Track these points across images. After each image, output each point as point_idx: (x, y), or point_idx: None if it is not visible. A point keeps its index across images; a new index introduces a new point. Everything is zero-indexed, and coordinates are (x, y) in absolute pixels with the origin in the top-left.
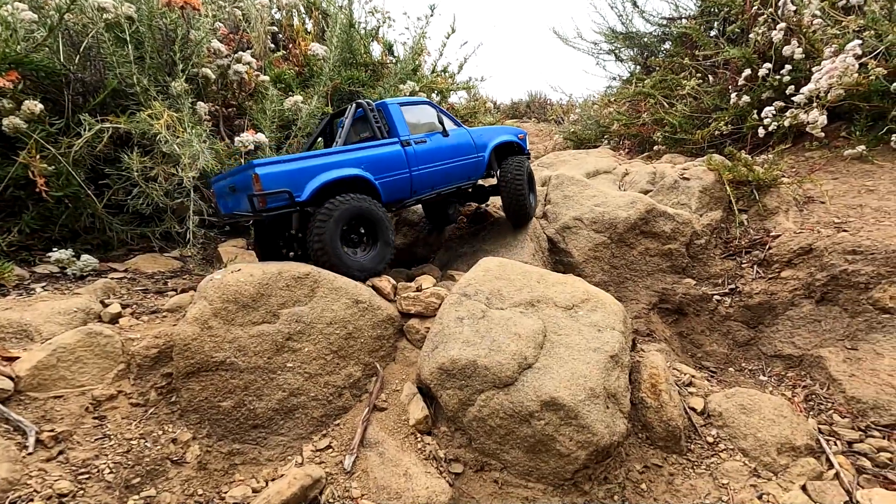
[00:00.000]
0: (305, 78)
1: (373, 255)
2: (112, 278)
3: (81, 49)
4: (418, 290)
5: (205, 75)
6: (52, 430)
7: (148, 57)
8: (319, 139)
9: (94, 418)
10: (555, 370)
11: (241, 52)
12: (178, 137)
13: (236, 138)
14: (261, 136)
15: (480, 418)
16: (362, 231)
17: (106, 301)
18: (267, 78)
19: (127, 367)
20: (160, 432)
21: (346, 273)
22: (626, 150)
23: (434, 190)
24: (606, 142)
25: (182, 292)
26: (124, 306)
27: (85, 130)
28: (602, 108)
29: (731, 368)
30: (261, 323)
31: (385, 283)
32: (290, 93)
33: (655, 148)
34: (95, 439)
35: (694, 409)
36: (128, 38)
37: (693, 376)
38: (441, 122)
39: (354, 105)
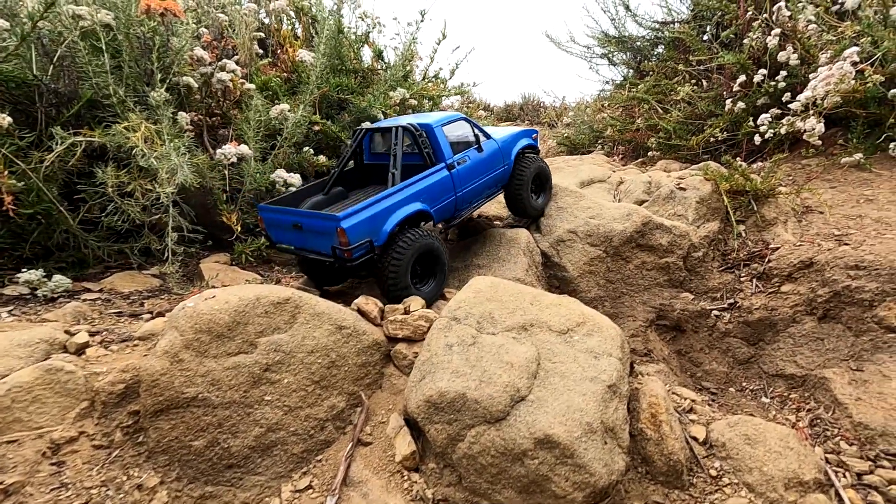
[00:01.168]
0: (294, 84)
1: (432, 287)
2: (85, 300)
3: (55, 58)
4: (406, 312)
5: (187, 84)
6: (0, 483)
7: (126, 66)
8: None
9: (52, 465)
10: (549, 403)
11: (225, 60)
12: (155, 151)
13: (218, 150)
14: (244, 148)
15: (471, 455)
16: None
17: (72, 330)
18: (253, 86)
19: (91, 405)
20: (124, 477)
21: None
22: (620, 155)
23: (472, 205)
24: (600, 147)
25: (158, 315)
26: (93, 334)
27: (57, 144)
28: (595, 112)
29: (731, 389)
30: (237, 353)
31: (371, 306)
32: (277, 101)
33: (650, 154)
34: (52, 489)
35: (696, 439)
36: (104, 47)
37: (694, 401)
38: (476, 137)
39: (401, 130)
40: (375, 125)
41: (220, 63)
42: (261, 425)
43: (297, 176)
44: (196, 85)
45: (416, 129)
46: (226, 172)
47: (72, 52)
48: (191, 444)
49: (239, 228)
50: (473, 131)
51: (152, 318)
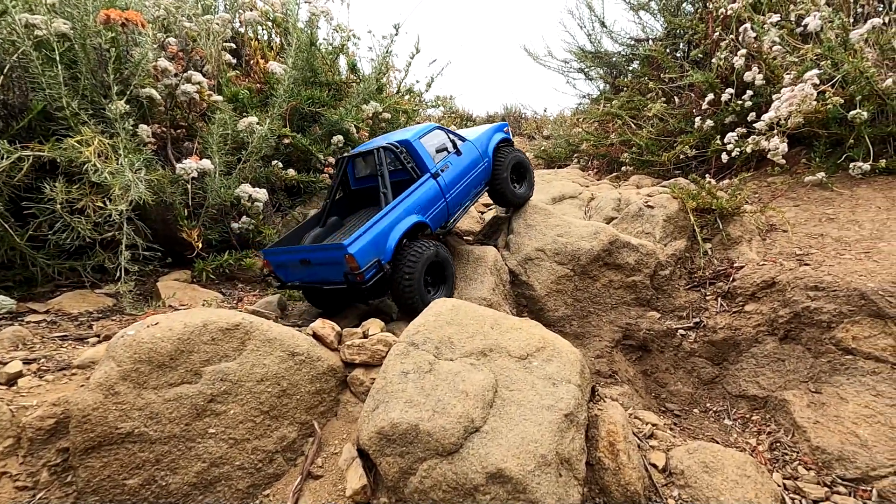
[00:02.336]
0: (266, 96)
1: (444, 293)
2: (28, 322)
3: (6, 69)
4: (364, 336)
5: (149, 96)
6: None
7: (83, 78)
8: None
9: None
10: (504, 434)
11: (191, 72)
12: (109, 166)
13: (178, 165)
14: (206, 163)
15: (422, 490)
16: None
17: (6, 358)
18: (221, 98)
19: (16, 443)
20: None
21: None
22: (595, 169)
23: (462, 206)
24: (576, 161)
25: (105, 339)
26: (29, 361)
27: (2, 159)
28: (571, 126)
29: (696, 410)
30: (179, 384)
31: (328, 330)
32: (246, 113)
33: (623, 168)
34: None
35: (655, 466)
36: (58, 58)
37: (655, 425)
38: (453, 143)
39: (383, 151)
40: (355, 151)
41: (185, 74)
42: (203, 460)
43: (263, 191)
44: (159, 97)
45: (396, 146)
46: (188, 187)
47: (24, 62)
48: (124, 482)
49: (200, 245)
50: (449, 137)
51: (99, 341)
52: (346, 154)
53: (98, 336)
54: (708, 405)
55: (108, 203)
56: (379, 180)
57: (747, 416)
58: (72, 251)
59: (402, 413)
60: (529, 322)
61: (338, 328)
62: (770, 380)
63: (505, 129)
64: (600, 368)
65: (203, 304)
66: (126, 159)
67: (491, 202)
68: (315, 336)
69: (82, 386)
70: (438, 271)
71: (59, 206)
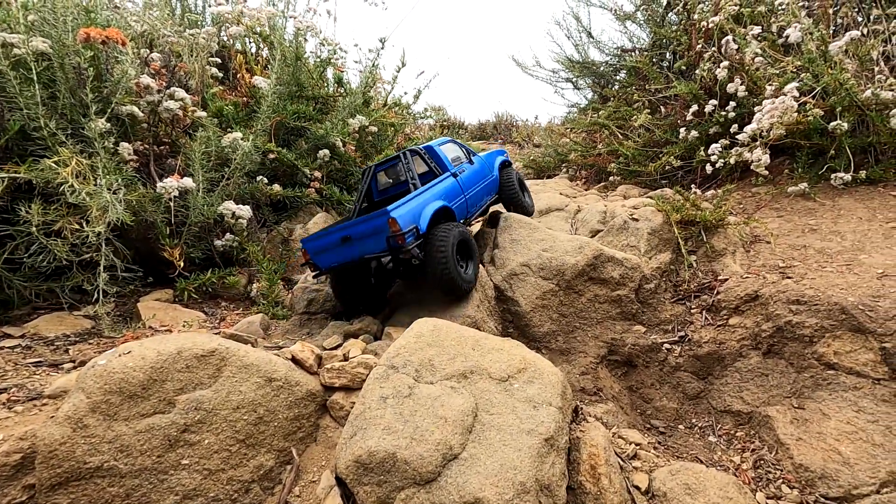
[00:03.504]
0: (252, 110)
1: (472, 271)
2: (2, 348)
3: None
4: (345, 359)
5: (131, 113)
6: None
7: (62, 97)
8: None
9: None
10: (482, 461)
11: (174, 88)
12: (86, 187)
13: (159, 184)
14: (187, 181)
15: None
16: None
17: None
18: (205, 114)
19: None
20: None
21: (460, 286)
22: (584, 179)
23: (478, 207)
24: (565, 170)
25: (80, 365)
26: (0, 391)
27: None
28: (560, 136)
29: (681, 426)
30: (151, 414)
31: (307, 353)
32: (231, 128)
33: (611, 178)
34: None
35: (638, 488)
36: (35, 77)
37: (639, 445)
38: (466, 153)
39: (409, 153)
40: (380, 162)
41: (168, 91)
42: (176, 493)
43: (247, 208)
44: (141, 114)
45: (421, 150)
46: (171, 205)
47: (0, 82)
48: None
49: (182, 264)
50: (462, 150)
51: (74, 367)
52: (371, 164)
53: (73, 361)
54: (693, 420)
55: (85, 225)
56: (407, 174)
57: (732, 431)
58: (49, 273)
59: (379, 441)
60: (511, 342)
61: (317, 351)
62: (754, 395)
63: (505, 154)
64: (585, 386)
65: (184, 326)
66: (104, 179)
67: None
68: (294, 360)
69: (52, 417)
70: (465, 250)
71: (35, 228)
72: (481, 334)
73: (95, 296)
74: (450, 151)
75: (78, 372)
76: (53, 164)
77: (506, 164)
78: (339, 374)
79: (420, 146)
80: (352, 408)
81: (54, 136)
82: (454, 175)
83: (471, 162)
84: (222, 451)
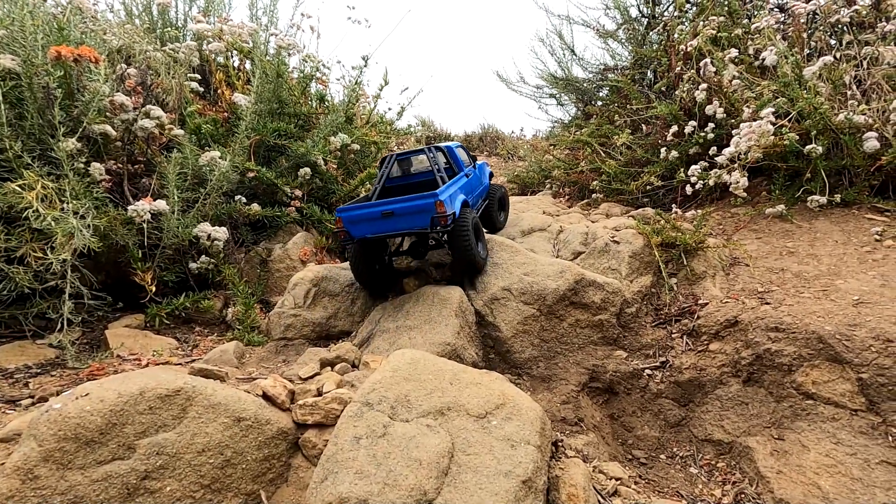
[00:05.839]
0: (232, 126)
1: (482, 248)
2: None
3: None
4: (319, 393)
5: (103, 132)
6: None
7: (30, 117)
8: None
9: None
10: None
11: (149, 106)
12: (51, 212)
13: (130, 207)
14: (160, 203)
15: None
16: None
17: None
18: (182, 132)
19: None
20: None
21: (478, 261)
22: (567, 196)
23: (477, 208)
24: (549, 186)
25: (39, 401)
26: None
27: None
28: (544, 153)
29: (662, 455)
30: (110, 461)
31: (280, 388)
32: (209, 146)
33: (594, 196)
34: None
35: None
36: (0, 97)
37: (619, 480)
38: (470, 158)
39: (434, 148)
40: (401, 152)
41: (144, 109)
42: None
43: (223, 229)
44: (114, 133)
45: (443, 147)
46: (144, 226)
47: None
48: None
49: (154, 288)
50: (468, 156)
51: (32, 404)
52: (392, 153)
53: (32, 397)
54: (675, 449)
55: (50, 252)
56: (433, 167)
57: (713, 462)
58: (11, 301)
59: (351, 486)
60: (490, 376)
61: (290, 386)
62: (734, 424)
63: (490, 168)
64: (566, 415)
65: (154, 354)
66: (71, 204)
67: None
68: (265, 396)
69: (1, 465)
70: (478, 233)
71: None
72: (459, 367)
73: (60, 324)
74: (462, 154)
75: (34, 411)
76: (18, 189)
77: (491, 176)
78: (312, 410)
79: (441, 145)
80: (325, 446)
81: (20, 158)
82: (466, 175)
83: (474, 167)
84: (185, 498)
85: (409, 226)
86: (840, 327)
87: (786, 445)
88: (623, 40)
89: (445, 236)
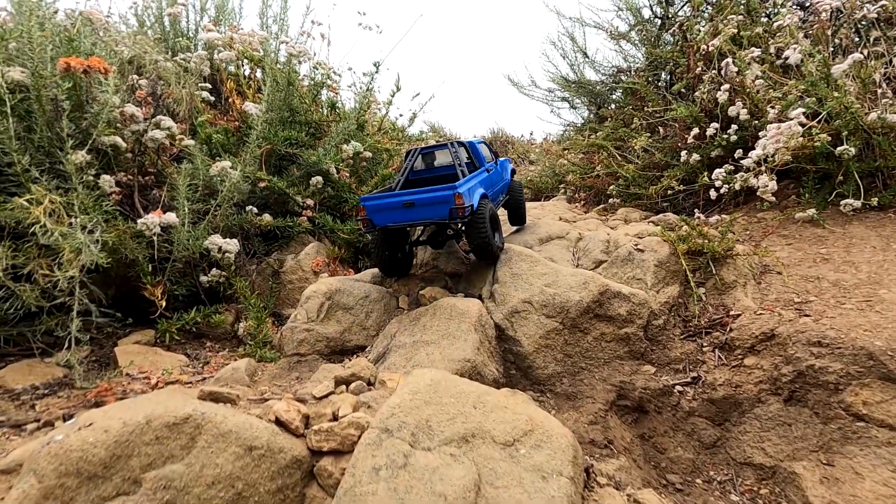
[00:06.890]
0: (243, 136)
1: (499, 238)
2: None
3: None
4: (334, 418)
5: (114, 144)
6: None
7: (39, 130)
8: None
9: None
10: None
11: (160, 116)
12: (58, 227)
13: (139, 221)
14: (170, 216)
15: None
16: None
17: None
18: (192, 142)
19: None
20: None
21: (494, 250)
22: (582, 201)
23: (498, 203)
24: (563, 191)
25: (46, 425)
26: None
27: None
28: (557, 157)
29: (698, 480)
30: (114, 497)
31: (293, 413)
32: (220, 156)
33: (610, 201)
34: None
35: None
36: (9, 110)
37: None
38: (493, 154)
39: (457, 143)
40: (425, 146)
41: (154, 119)
42: None
43: (234, 241)
44: (125, 144)
45: (466, 143)
46: (154, 240)
47: None
48: None
49: (164, 303)
50: (490, 152)
51: (38, 428)
52: (416, 147)
53: (38, 421)
54: (711, 473)
55: (57, 269)
56: (454, 161)
57: (755, 488)
58: (18, 318)
59: None
60: (516, 398)
61: (304, 409)
62: (777, 447)
63: (512, 165)
64: (595, 437)
65: (163, 373)
66: (79, 219)
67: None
68: (278, 422)
69: (1, 499)
70: (494, 223)
71: (1, 271)
72: (483, 388)
73: (68, 343)
74: (484, 150)
75: (37, 440)
76: (25, 203)
77: (513, 173)
78: (327, 436)
79: (464, 140)
80: (342, 475)
81: (27, 171)
82: (487, 170)
83: (495, 162)
84: None
85: (428, 216)
86: (891, 342)
87: (836, 472)
88: (636, 42)
89: (464, 226)
